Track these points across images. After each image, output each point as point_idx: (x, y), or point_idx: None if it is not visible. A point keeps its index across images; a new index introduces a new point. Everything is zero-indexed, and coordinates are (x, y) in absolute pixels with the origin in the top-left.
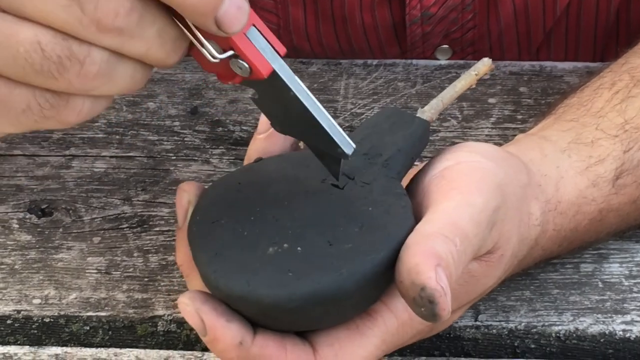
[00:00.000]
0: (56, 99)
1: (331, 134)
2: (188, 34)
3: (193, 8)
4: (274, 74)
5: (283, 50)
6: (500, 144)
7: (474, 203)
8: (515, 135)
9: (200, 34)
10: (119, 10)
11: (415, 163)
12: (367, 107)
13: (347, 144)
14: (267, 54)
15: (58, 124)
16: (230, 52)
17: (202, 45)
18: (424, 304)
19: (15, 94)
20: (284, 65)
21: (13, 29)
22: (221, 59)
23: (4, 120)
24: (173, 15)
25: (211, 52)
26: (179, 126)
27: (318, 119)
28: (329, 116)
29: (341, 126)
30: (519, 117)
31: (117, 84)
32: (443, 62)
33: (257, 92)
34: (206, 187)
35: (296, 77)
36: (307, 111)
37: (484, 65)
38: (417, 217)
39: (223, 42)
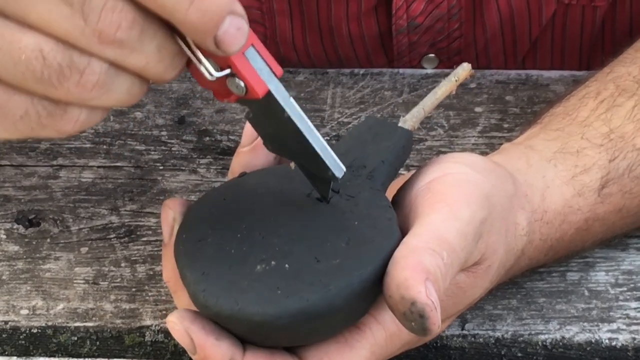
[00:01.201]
0: (54, 107)
1: (323, 157)
2: (187, 50)
3: (194, 26)
4: (269, 95)
5: (280, 71)
6: (486, 153)
7: (461, 216)
8: (501, 144)
9: (199, 51)
10: (121, 23)
11: (401, 172)
12: (354, 116)
13: (337, 167)
14: (263, 74)
15: (54, 132)
16: (228, 71)
17: (200, 62)
18: (414, 318)
19: (14, 100)
20: (280, 86)
21: (16, 36)
22: (218, 78)
23: (1, 126)
24: (173, 31)
25: (209, 69)
26: (166, 136)
27: (310, 141)
28: (322, 139)
29: (328, 135)
30: (506, 125)
31: (115, 96)
32: (429, 71)
33: (251, 111)
34: (192, 201)
35: (291, 99)
36: (300, 133)
37: (463, 70)
38: (404, 230)
39: (221, 61)
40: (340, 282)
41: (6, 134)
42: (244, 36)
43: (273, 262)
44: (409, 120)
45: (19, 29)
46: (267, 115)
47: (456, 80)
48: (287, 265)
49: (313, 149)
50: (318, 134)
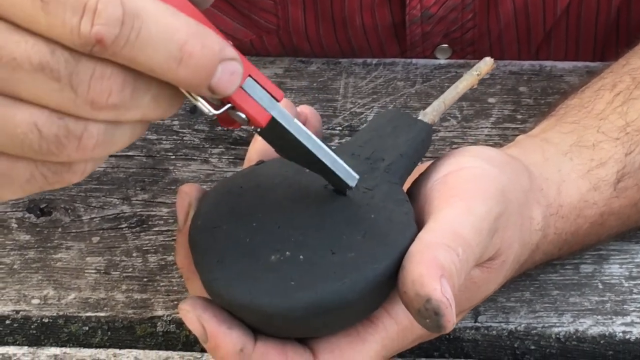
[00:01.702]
0: (58, 167)
1: (334, 170)
2: (184, 92)
3: (185, 82)
4: (272, 121)
5: (281, 95)
6: (500, 144)
7: (476, 211)
8: (515, 135)
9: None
10: (111, 88)
11: None
12: (366, 107)
13: (350, 177)
14: (264, 102)
15: (62, 185)
16: (228, 106)
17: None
18: (429, 315)
19: (17, 167)
20: (283, 111)
21: (9, 111)
22: (219, 114)
23: (8, 190)
24: None
25: (208, 108)
26: (178, 125)
27: (320, 158)
28: (331, 152)
29: (340, 125)
30: (519, 117)
31: (117, 145)
32: (443, 61)
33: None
34: (207, 189)
35: (295, 120)
36: (309, 151)
37: (485, 64)
38: (419, 223)
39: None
40: (354, 276)
41: (15, 196)
42: (238, 78)
43: (288, 253)
44: (429, 114)
45: (11, 104)
46: (274, 136)
47: (478, 74)
48: (301, 257)
49: (324, 164)
50: (327, 148)
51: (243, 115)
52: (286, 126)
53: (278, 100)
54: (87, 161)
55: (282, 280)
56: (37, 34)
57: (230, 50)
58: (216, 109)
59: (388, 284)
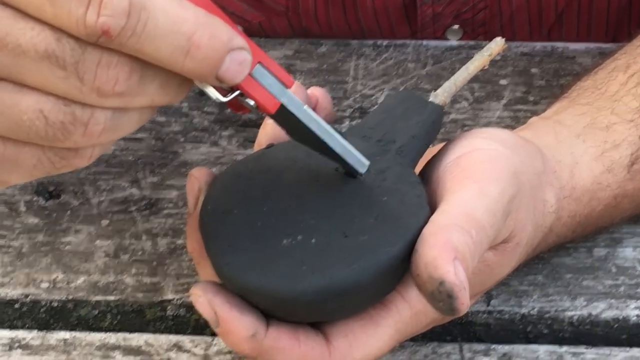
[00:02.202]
0: (65, 153)
1: (344, 157)
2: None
3: (193, 73)
4: (282, 108)
5: (291, 81)
6: (511, 126)
7: (489, 193)
8: (527, 117)
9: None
10: (118, 76)
11: None
12: (377, 89)
13: (360, 164)
14: (274, 89)
15: (69, 169)
16: (237, 92)
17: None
18: (442, 298)
19: (24, 152)
20: (293, 98)
21: (15, 98)
22: (228, 101)
23: (16, 175)
24: None
25: (217, 96)
26: (187, 107)
27: (330, 145)
28: (341, 139)
29: (351, 107)
30: (531, 98)
31: (124, 131)
32: (454, 42)
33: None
34: (217, 172)
35: (305, 107)
36: (319, 138)
37: (496, 45)
38: (432, 205)
39: None
40: (367, 259)
41: (23, 180)
42: (247, 67)
43: (299, 237)
44: (440, 95)
45: (17, 91)
46: (284, 121)
47: (489, 55)
48: (313, 240)
49: (334, 150)
50: (337, 135)
51: (252, 102)
52: (296, 113)
53: (288, 87)
54: (95, 146)
55: (294, 264)
56: (43, 21)
57: (239, 40)
58: (225, 95)
59: (401, 267)
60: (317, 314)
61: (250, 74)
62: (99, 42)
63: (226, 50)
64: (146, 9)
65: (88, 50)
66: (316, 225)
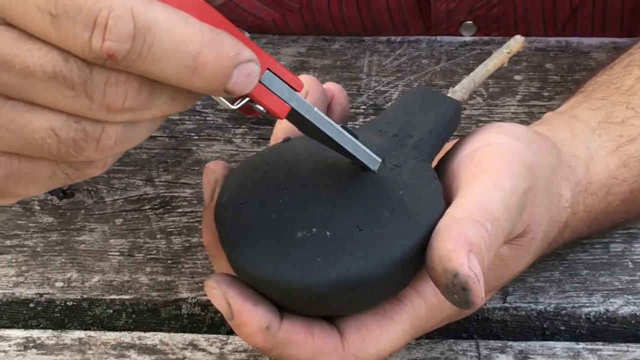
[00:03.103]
0: (79, 165)
1: (356, 156)
2: None
3: (200, 89)
4: (292, 111)
5: (300, 85)
6: (526, 122)
7: (504, 186)
8: (542, 113)
9: None
10: (127, 93)
11: None
12: (391, 85)
13: (372, 161)
14: (283, 94)
15: (84, 179)
16: (246, 100)
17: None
18: (456, 291)
19: (38, 167)
20: (302, 101)
21: (26, 117)
22: (238, 108)
23: (32, 188)
24: None
25: (226, 103)
26: (200, 105)
27: (342, 144)
28: (352, 138)
29: (365, 104)
30: (546, 94)
31: (136, 141)
32: (467, 38)
33: None
34: (233, 166)
35: (315, 109)
36: (331, 139)
37: (516, 42)
38: (447, 199)
39: None
40: (382, 252)
41: (38, 192)
42: (255, 78)
43: (314, 229)
44: (459, 91)
45: (28, 110)
46: (296, 122)
47: (508, 52)
48: (328, 233)
49: (346, 150)
50: (348, 134)
51: (262, 108)
52: (306, 116)
53: (298, 91)
54: (108, 157)
55: (308, 256)
56: (49, 43)
57: (246, 52)
58: (235, 101)
59: (416, 261)
60: (331, 307)
61: (259, 81)
62: (106, 64)
63: (233, 66)
64: (151, 31)
65: (95, 70)
66: (331, 218)
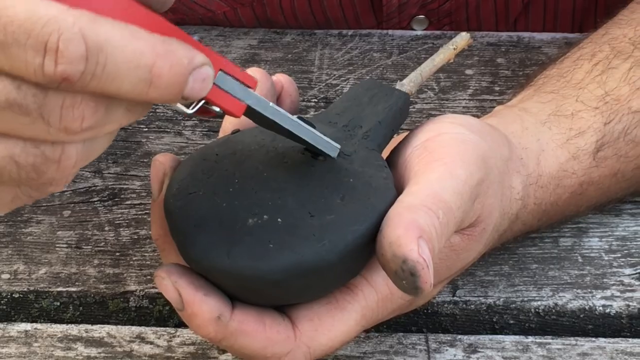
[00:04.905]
0: (40, 186)
1: (315, 145)
2: None
3: (157, 100)
4: (249, 109)
5: (254, 82)
6: (477, 116)
7: (457, 175)
8: (492, 107)
9: None
10: (84, 113)
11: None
12: (342, 78)
13: (331, 148)
14: (238, 93)
15: (46, 195)
16: (202, 103)
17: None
18: (405, 276)
19: (0, 190)
20: (258, 98)
21: None
22: (195, 112)
23: None
24: None
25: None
26: None
27: (300, 135)
28: (310, 129)
29: (316, 97)
30: (497, 88)
31: (96, 154)
32: (419, 32)
33: None
34: (182, 159)
35: (271, 104)
36: (289, 131)
37: (462, 39)
38: (399, 189)
39: None
40: (334, 237)
41: (1, 213)
42: (210, 81)
43: (265, 216)
44: (407, 84)
45: None
46: (253, 117)
47: (454, 49)
48: (279, 220)
49: (304, 140)
50: (305, 125)
51: (218, 109)
52: (263, 112)
53: (252, 88)
54: (69, 174)
55: (260, 243)
56: (0, 71)
57: (199, 57)
58: (190, 106)
59: (368, 248)
60: (283, 295)
61: (213, 83)
62: (60, 87)
63: (188, 73)
64: (103, 50)
65: (50, 94)
66: (282, 205)
